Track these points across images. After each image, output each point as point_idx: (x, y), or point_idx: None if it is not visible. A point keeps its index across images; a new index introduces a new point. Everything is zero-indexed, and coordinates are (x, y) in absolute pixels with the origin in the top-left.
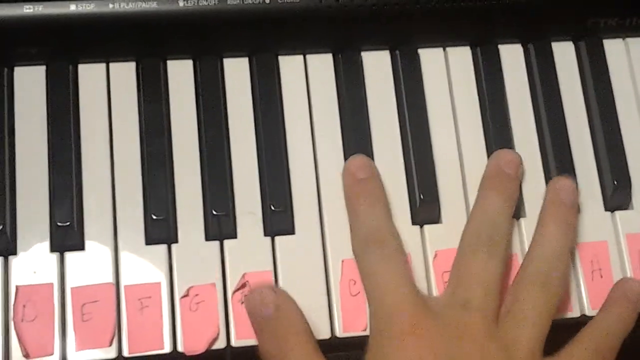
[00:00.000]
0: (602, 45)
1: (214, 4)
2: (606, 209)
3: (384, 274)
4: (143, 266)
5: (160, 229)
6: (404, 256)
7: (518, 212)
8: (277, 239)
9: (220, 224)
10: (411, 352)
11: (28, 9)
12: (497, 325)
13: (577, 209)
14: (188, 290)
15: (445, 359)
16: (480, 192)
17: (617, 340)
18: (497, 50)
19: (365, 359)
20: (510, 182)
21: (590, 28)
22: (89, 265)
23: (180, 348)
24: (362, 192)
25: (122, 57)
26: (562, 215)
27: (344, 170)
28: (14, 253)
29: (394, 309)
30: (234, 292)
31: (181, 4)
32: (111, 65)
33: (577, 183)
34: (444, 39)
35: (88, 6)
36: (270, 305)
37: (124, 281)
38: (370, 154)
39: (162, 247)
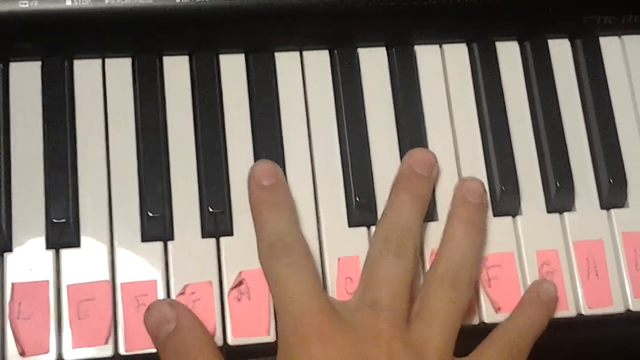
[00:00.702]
0: (598, 42)
1: None
2: (602, 207)
3: (289, 280)
4: (139, 263)
5: (156, 226)
6: (310, 262)
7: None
8: None
9: (216, 221)
10: (317, 355)
11: (24, 4)
12: (406, 326)
13: (485, 210)
14: (184, 288)
15: (351, 358)
16: (391, 192)
17: (530, 341)
18: (494, 47)
19: None
20: (422, 183)
21: (587, 25)
22: (84, 263)
23: None
24: (267, 199)
25: (118, 53)
26: (469, 216)
27: (249, 177)
28: (10, 250)
29: (299, 314)
30: (230, 289)
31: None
32: (107, 61)
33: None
34: (441, 35)
35: (84, 1)
36: (171, 322)
37: (120, 279)
38: (366, 150)
39: (158, 245)
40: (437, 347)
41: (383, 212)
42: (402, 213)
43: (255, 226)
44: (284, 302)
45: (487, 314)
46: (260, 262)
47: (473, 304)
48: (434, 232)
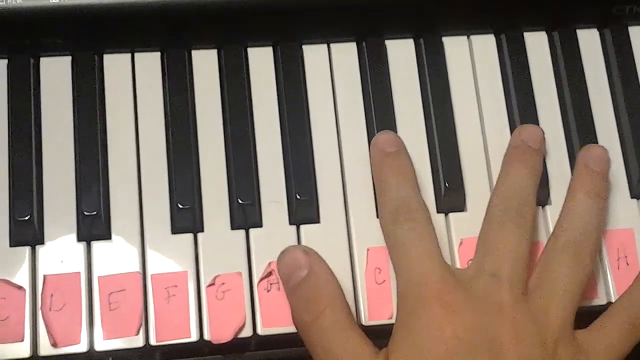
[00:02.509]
0: (627, 32)
1: None
2: (632, 196)
3: (412, 245)
4: (169, 255)
5: (186, 217)
6: (432, 228)
7: (544, 199)
8: (303, 227)
9: (245, 213)
10: (439, 321)
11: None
12: (526, 296)
13: (608, 180)
14: (214, 279)
15: (474, 329)
16: (504, 164)
17: None
18: (522, 38)
19: (394, 332)
20: (534, 155)
21: (616, 15)
22: (115, 255)
23: (206, 337)
24: (391, 165)
25: (147, 47)
26: (592, 185)
27: (372, 145)
28: (42, 243)
29: (421, 279)
30: (260, 280)
31: None
32: (136, 55)
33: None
34: (469, 26)
35: None
36: (303, 268)
37: (150, 270)
38: None
39: (188, 236)
40: (558, 317)
41: (497, 183)
42: (519, 182)
43: (377, 192)
44: (405, 268)
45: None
46: (382, 227)
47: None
48: (463, 223)
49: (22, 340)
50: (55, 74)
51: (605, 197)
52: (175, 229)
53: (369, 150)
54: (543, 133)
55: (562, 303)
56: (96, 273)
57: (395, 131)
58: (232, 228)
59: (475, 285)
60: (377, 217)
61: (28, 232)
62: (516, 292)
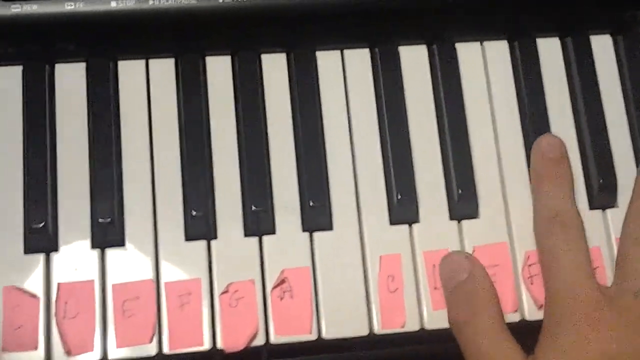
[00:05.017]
0: None
1: None
2: None
3: (564, 255)
4: (183, 263)
5: (200, 225)
6: (585, 240)
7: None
8: (316, 234)
9: (259, 220)
10: (585, 335)
11: (69, 6)
12: None
13: None
14: (228, 286)
15: (618, 345)
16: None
17: None
18: (535, 44)
19: (541, 341)
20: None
21: (628, 21)
22: (129, 262)
23: (219, 345)
24: (550, 171)
25: (162, 54)
26: None
27: (534, 147)
28: (56, 250)
29: (570, 291)
30: (273, 288)
31: (220, 0)
32: (150, 61)
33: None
34: (482, 33)
35: (128, 3)
36: (465, 272)
37: (164, 278)
38: (408, 147)
39: (202, 244)
40: None
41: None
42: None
43: (533, 196)
44: (555, 277)
45: (529, 312)
46: (535, 234)
47: (515, 301)
48: (476, 230)
49: (36, 349)
50: (70, 80)
51: None
52: (189, 236)
53: (382, 154)
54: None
55: None
56: (110, 281)
57: (408, 137)
58: (246, 235)
59: (619, 303)
60: (391, 224)
61: (42, 240)
62: None
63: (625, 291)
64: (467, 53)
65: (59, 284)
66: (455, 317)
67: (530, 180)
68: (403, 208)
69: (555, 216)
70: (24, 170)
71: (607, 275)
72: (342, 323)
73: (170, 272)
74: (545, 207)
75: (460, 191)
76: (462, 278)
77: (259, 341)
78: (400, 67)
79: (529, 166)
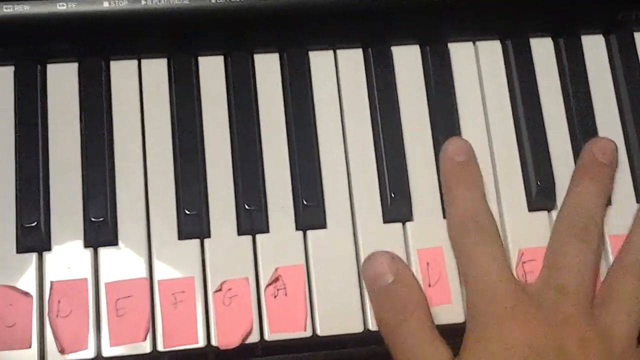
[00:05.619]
0: (633, 38)
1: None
2: (638, 201)
3: (482, 257)
4: (176, 261)
5: (193, 223)
6: (500, 240)
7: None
8: (309, 233)
9: (252, 219)
10: (510, 331)
11: (61, 6)
12: (592, 311)
13: None
14: (221, 284)
15: (543, 339)
16: (574, 178)
17: None
18: (528, 44)
19: (465, 342)
20: (604, 171)
21: (621, 21)
22: (122, 261)
23: (214, 342)
24: (459, 175)
25: (154, 54)
26: None
27: (442, 153)
28: (48, 249)
29: (492, 293)
30: (267, 286)
31: (212, 0)
32: (143, 61)
33: None
34: (474, 33)
35: (121, 3)
36: (390, 274)
37: (157, 276)
38: (401, 147)
39: (195, 242)
40: (623, 333)
41: (566, 198)
42: (586, 199)
43: (446, 201)
44: (475, 279)
45: None
46: (450, 238)
47: None
48: None
49: (30, 347)
50: (62, 80)
51: None
52: (182, 235)
53: (376, 154)
54: (615, 146)
55: (628, 320)
56: (103, 279)
57: (401, 136)
58: (239, 234)
59: (542, 298)
60: (384, 222)
61: (35, 239)
62: (582, 306)
63: (549, 287)
64: (460, 53)
65: (51, 282)
66: (384, 321)
67: (441, 185)
68: (396, 207)
69: (470, 218)
70: (17, 170)
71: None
72: (336, 320)
73: (164, 271)
74: (459, 211)
75: None
76: (388, 281)
77: (254, 338)
78: (393, 67)
79: (521, 165)
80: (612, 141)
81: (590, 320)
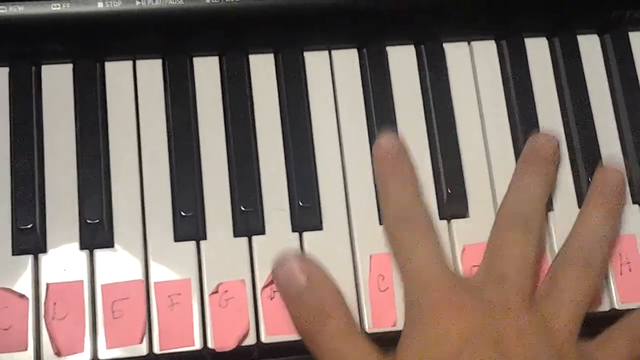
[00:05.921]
0: (627, 37)
1: (240, 0)
2: (634, 202)
3: (416, 251)
4: (172, 263)
5: (189, 225)
6: (434, 233)
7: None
8: (305, 234)
9: (248, 220)
10: (447, 324)
11: (55, 7)
12: (532, 302)
13: (623, 199)
14: (217, 286)
15: (480, 330)
16: (516, 171)
17: None
18: (523, 44)
19: (402, 334)
20: (547, 164)
21: (615, 20)
22: (118, 263)
23: (210, 345)
24: (392, 171)
25: (149, 54)
26: (607, 202)
27: (374, 149)
28: (44, 251)
29: (427, 284)
30: (263, 288)
31: (207, 0)
32: (138, 62)
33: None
34: (469, 32)
35: (115, 4)
36: (303, 278)
37: (153, 278)
38: None
39: (191, 244)
40: (564, 325)
41: (508, 190)
42: (529, 190)
43: (380, 196)
44: (410, 273)
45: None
46: (385, 232)
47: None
48: (465, 229)
49: (26, 350)
50: (57, 81)
51: (619, 214)
52: (178, 237)
53: (371, 155)
54: (557, 142)
55: (569, 312)
56: (99, 281)
57: (398, 136)
58: (235, 235)
59: (482, 289)
60: (380, 223)
61: (30, 241)
62: (522, 296)
63: (489, 276)
64: (455, 53)
65: (47, 284)
66: (304, 327)
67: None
68: None
69: (404, 213)
70: (12, 172)
71: None
72: None
73: (160, 273)
74: (393, 206)
75: (449, 191)
76: (301, 284)
77: (250, 341)
78: (388, 67)
79: None
80: (555, 137)
81: (531, 310)
